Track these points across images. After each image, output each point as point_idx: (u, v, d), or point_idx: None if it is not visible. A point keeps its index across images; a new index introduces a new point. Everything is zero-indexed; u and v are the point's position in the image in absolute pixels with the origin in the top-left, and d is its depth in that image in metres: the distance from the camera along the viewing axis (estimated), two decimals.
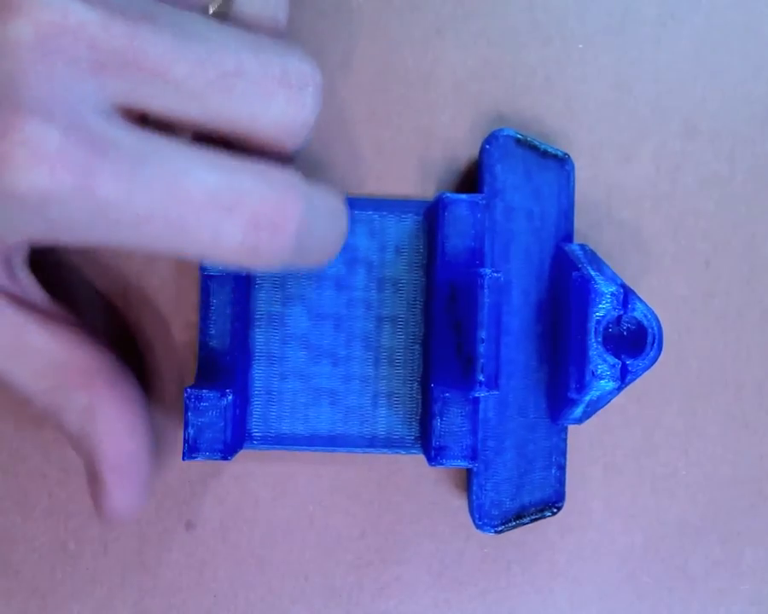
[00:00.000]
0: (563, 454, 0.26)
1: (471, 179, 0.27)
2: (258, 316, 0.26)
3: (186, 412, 0.24)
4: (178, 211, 0.18)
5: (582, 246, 0.25)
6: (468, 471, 0.26)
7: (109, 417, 0.22)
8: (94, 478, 0.22)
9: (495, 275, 0.23)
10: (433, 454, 0.24)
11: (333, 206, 0.21)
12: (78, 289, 0.26)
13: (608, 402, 0.24)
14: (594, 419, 0.25)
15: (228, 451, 0.24)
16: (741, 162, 0.28)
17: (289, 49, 0.21)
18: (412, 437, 0.26)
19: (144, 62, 0.18)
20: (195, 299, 0.26)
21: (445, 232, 0.24)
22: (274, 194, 0.19)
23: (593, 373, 0.23)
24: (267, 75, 0.20)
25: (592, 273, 0.23)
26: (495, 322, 0.23)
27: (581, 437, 0.27)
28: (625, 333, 0.23)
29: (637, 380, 0.23)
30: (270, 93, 0.20)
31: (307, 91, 0.20)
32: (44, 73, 0.17)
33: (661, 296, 0.27)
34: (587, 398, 0.23)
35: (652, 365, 0.23)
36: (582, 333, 0.23)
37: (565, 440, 0.26)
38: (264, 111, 0.20)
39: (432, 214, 0.25)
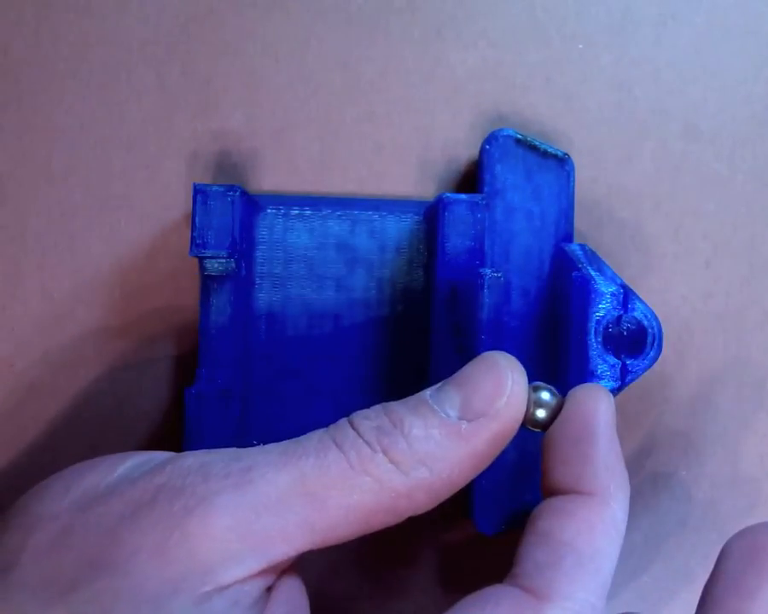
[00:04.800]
0: None
1: (471, 179, 0.27)
2: (258, 316, 0.26)
3: (186, 412, 0.24)
4: None
5: (582, 246, 0.25)
6: None
7: None
8: None
9: (495, 275, 0.23)
10: None
11: None
12: (77, 290, 0.26)
13: None
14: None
15: None
16: (741, 162, 0.28)
17: None
18: None
19: None
20: (195, 299, 0.26)
21: (445, 232, 0.24)
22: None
23: (593, 373, 0.23)
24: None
25: (592, 273, 0.23)
26: (495, 322, 0.23)
27: None
28: (625, 333, 0.23)
29: (637, 380, 0.23)
30: None
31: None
32: None
33: (661, 296, 0.27)
34: None
35: (652, 365, 0.23)
36: (582, 333, 0.23)
37: None
38: None
39: (432, 214, 0.25)
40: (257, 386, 0.26)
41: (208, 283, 0.25)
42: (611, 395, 0.19)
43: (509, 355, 0.19)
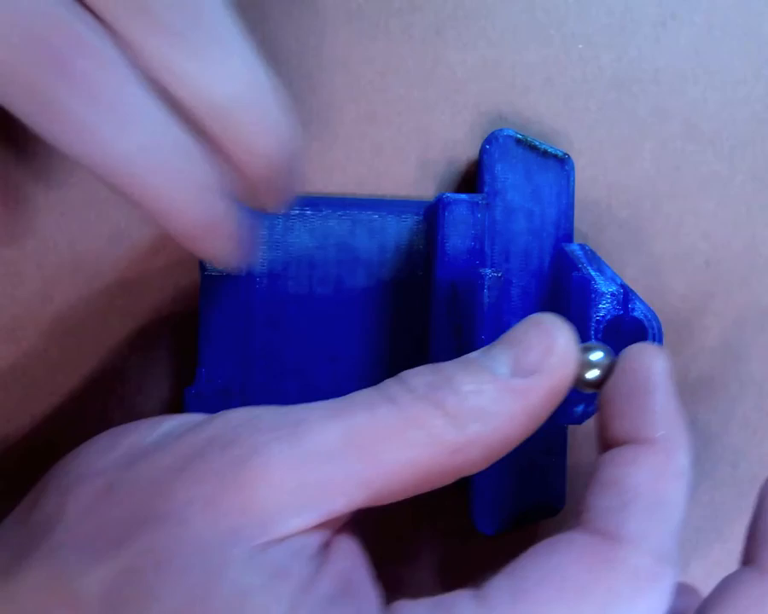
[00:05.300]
0: (563, 453, 0.26)
1: (471, 179, 0.27)
2: (257, 316, 0.26)
3: (186, 412, 0.24)
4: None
5: (582, 246, 0.25)
6: None
7: None
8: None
9: (495, 274, 0.23)
10: None
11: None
12: (77, 290, 0.26)
13: None
14: (594, 418, 0.25)
15: None
16: (741, 162, 0.28)
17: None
18: None
19: None
20: (195, 299, 0.26)
21: (445, 232, 0.24)
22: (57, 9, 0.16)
23: None
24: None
25: (592, 273, 0.23)
26: (495, 323, 0.23)
27: (581, 437, 0.27)
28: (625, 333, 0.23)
29: None
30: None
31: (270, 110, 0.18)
32: None
33: (661, 296, 0.27)
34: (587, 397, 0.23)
35: None
36: (582, 333, 0.23)
37: (565, 440, 0.26)
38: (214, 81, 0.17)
39: (432, 214, 0.25)
40: (257, 386, 0.26)
41: (208, 283, 0.25)
42: (665, 352, 0.19)
43: (556, 315, 0.19)
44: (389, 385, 0.18)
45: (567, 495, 0.26)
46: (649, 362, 0.18)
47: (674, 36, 0.28)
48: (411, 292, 0.26)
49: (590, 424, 0.26)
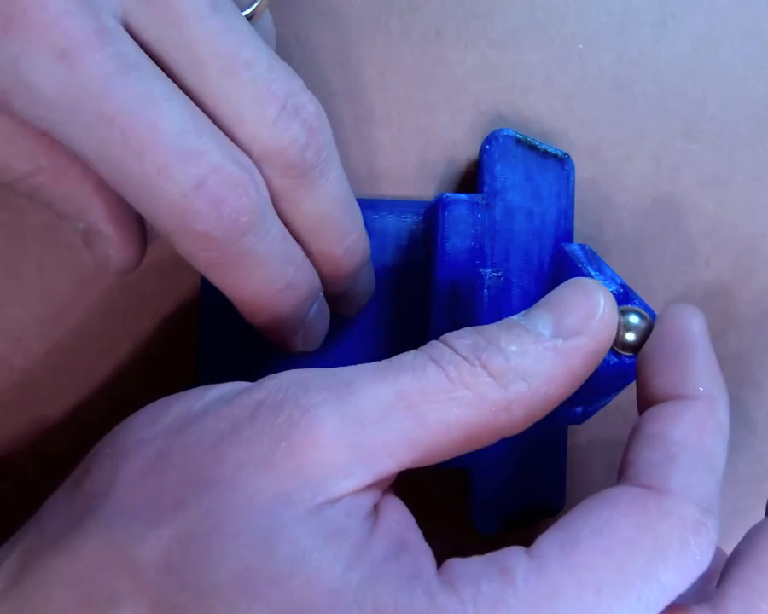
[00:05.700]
0: (563, 454, 0.26)
1: (471, 179, 0.27)
2: None
3: None
4: (138, 131, 0.17)
5: (582, 246, 0.25)
6: (469, 471, 0.26)
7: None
8: (94, 235, 0.21)
9: (495, 274, 0.23)
10: None
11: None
12: (77, 290, 0.26)
13: (609, 401, 0.24)
14: (594, 418, 0.25)
15: None
16: (741, 162, 0.28)
17: (297, 81, 0.20)
18: None
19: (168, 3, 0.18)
20: (195, 299, 0.26)
21: (445, 232, 0.24)
22: (236, 170, 0.19)
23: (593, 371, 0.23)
24: (270, 87, 0.19)
25: (592, 273, 0.23)
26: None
27: (581, 437, 0.27)
28: None
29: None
30: (264, 103, 0.19)
31: (298, 120, 0.20)
32: None
33: (661, 296, 0.27)
34: (587, 398, 0.23)
35: None
36: None
37: (565, 440, 0.26)
38: (251, 116, 0.19)
39: (432, 214, 0.25)
40: None
41: (208, 283, 0.25)
42: (701, 313, 0.20)
43: (594, 279, 0.19)
44: (434, 346, 0.18)
45: (567, 495, 0.26)
46: (689, 321, 0.19)
47: (674, 36, 0.28)
48: (411, 293, 0.26)
49: (590, 424, 0.26)
